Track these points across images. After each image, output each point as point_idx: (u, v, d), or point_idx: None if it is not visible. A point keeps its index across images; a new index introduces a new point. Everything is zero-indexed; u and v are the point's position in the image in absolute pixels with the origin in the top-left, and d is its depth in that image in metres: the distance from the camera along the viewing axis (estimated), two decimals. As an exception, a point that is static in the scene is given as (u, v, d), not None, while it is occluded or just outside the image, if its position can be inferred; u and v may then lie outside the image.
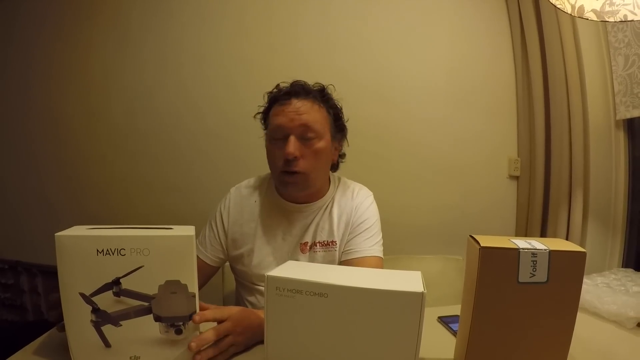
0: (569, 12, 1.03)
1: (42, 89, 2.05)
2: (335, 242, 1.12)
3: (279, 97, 1.08)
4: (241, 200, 1.18)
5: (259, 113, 1.16)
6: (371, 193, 1.21)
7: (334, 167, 1.21)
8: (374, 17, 1.99)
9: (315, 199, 1.14)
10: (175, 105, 1.99)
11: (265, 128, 1.14)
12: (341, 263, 1.13)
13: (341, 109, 1.17)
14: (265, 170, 1.16)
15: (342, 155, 1.21)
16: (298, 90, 1.07)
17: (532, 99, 1.97)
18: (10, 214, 2.15)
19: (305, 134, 1.03)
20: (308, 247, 1.13)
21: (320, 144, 1.06)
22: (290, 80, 1.12)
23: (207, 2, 1.96)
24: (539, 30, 1.89)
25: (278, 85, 1.12)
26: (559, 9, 1.05)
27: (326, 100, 1.11)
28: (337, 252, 1.13)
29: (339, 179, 1.22)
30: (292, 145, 1.01)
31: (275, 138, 1.06)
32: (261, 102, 1.15)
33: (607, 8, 0.99)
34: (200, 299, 0.72)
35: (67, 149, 2.05)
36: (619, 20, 0.99)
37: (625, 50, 1.61)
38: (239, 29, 1.96)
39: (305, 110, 1.04)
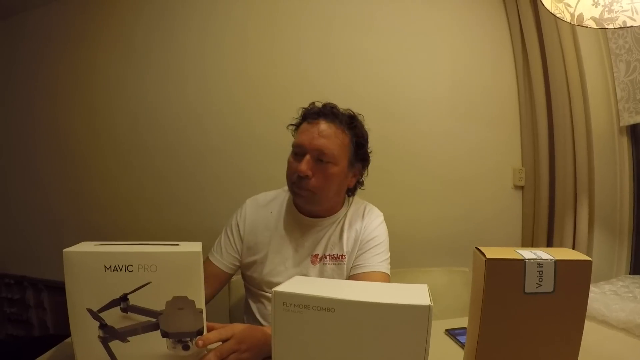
0: (569, 20, 1.04)
1: (47, 106, 2.08)
2: (344, 256, 1.16)
3: (309, 115, 1.13)
4: (257, 210, 1.22)
5: (291, 125, 1.20)
6: (381, 214, 1.24)
7: (350, 191, 1.23)
8: (375, 31, 2.01)
9: (329, 215, 1.18)
10: (178, 121, 2.00)
11: None
12: (349, 278, 1.16)
13: (367, 139, 1.19)
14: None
15: (360, 183, 1.24)
16: (327, 112, 1.12)
17: (534, 109, 1.97)
18: (16, 229, 2.16)
19: (320, 157, 1.07)
20: (318, 259, 1.17)
21: (334, 169, 1.09)
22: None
23: (209, 18, 1.98)
24: (539, 40, 1.90)
25: (313, 103, 1.17)
26: (558, 18, 1.06)
27: (352, 128, 1.14)
28: (345, 267, 1.16)
29: (353, 198, 1.26)
30: (305, 164, 1.06)
31: (296, 153, 1.11)
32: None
33: (606, 15, 1.00)
34: (207, 311, 0.73)
35: (72, 164, 2.07)
36: (618, 26, 0.99)
37: (626, 56, 1.62)
38: (242, 45, 1.98)
39: (327, 135, 1.08)
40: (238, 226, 1.20)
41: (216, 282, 1.17)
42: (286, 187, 1.23)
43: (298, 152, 1.10)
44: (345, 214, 1.20)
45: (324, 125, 1.09)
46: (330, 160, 1.08)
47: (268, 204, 1.23)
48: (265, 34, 1.98)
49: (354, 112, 1.18)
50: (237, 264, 1.21)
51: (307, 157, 1.07)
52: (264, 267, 1.17)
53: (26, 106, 2.10)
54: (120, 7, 2.02)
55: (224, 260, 1.18)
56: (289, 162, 1.13)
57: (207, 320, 0.74)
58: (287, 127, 1.21)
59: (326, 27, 1.99)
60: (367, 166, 1.23)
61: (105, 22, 2.02)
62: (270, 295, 1.14)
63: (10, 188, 2.16)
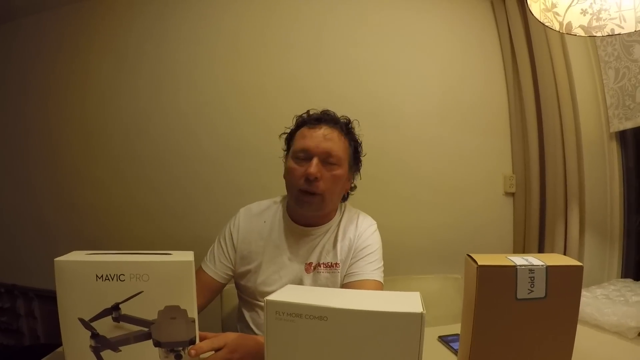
0: (558, 29, 1.05)
1: (39, 114, 2.06)
2: (338, 264, 1.17)
3: (308, 121, 1.16)
4: (251, 219, 1.22)
5: (284, 133, 1.22)
6: (375, 222, 1.25)
7: (344, 197, 1.25)
8: (367, 41, 2.02)
9: (322, 223, 1.19)
10: (171, 130, 1.99)
11: (288, 148, 1.20)
12: (342, 286, 1.16)
13: (360, 143, 1.23)
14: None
15: (352, 188, 1.26)
16: (328, 118, 1.16)
17: (524, 116, 1.99)
18: (7, 237, 2.14)
19: (327, 159, 1.09)
20: (312, 268, 1.17)
21: (339, 171, 1.12)
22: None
23: (201, 28, 1.98)
24: (529, 48, 1.92)
25: (308, 111, 1.20)
26: (547, 26, 1.07)
27: (349, 133, 1.19)
28: (339, 275, 1.17)
29: (345, 205, 1.27)
30: (315, 167, 1.07)
31: (300, 158, 1.11)
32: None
33: (595, 23, 1.01)
34: (199, 320, 0.72)
35: (64, 172, 2.05)
36: (606, 34, 1.00)
37: (615, 63, 1.64)
38: (234, 53, 1.98)
39: (331, 138, 1.11)
40: (232, 235, 1.19)
41: (209, 291, 1.16)
42: (279, 198, 1.25)
43: (302, 157, 1.10)
44: (339, 222, 1.21)
45: (327, 130, 1.12)
46: (336, 162, 1.10)
47: (262, 213, 1.23)
48: (257, 43, 1.98)
49: (348, 118, 1.21)
50: (230, 273, 1.20)
51: (315, 159, 1.07)
52: (258, 276, 1.16)
53: (18, 114, 2.08)
54: (113, 16, 2.01)
55: (217, 269, 1.17)
56: (291, 168, 1.12)
57: (200, 329, 0.73)
58: (280, 136, 1.22)
59: (318, 36, 2.00)
60: (359, 171, 1.25)
61: (98, 31, 2.01)
62: (263, 304, 1.15)
63: (1, 196, 2.14)
